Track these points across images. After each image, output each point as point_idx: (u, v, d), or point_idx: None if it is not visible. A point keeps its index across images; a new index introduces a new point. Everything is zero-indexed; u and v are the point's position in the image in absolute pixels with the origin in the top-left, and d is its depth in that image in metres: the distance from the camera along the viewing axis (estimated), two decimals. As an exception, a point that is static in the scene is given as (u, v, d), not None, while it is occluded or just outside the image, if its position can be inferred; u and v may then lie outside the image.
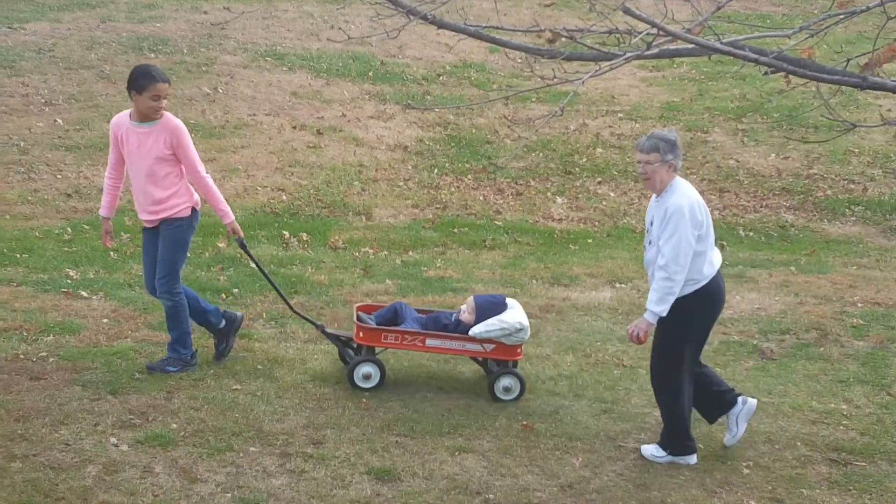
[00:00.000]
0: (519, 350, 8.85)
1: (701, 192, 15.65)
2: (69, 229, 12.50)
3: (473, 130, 17.54)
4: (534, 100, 18.86)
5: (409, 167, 15.88)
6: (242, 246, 8.92)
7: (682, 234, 7.41)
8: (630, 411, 8.65)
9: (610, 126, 18.21)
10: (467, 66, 20.80)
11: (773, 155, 17.34)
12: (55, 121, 16.34)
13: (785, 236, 14.35)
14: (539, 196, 15.24)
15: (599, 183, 15.83)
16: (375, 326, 8.84)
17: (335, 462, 7.49)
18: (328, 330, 9.25)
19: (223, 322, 9.14)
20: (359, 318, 8.91)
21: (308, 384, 8.75)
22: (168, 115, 8.50)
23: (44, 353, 8.99)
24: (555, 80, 5.27)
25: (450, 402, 8.60)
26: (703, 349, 8.01)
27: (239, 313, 9.32)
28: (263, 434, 7.81)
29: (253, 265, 9.31)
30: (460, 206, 14.66)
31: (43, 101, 17.28)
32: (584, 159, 16.64)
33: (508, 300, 9.09)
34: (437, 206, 14.61)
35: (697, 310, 7.62)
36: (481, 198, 15.11)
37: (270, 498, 6.94)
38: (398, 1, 5.88)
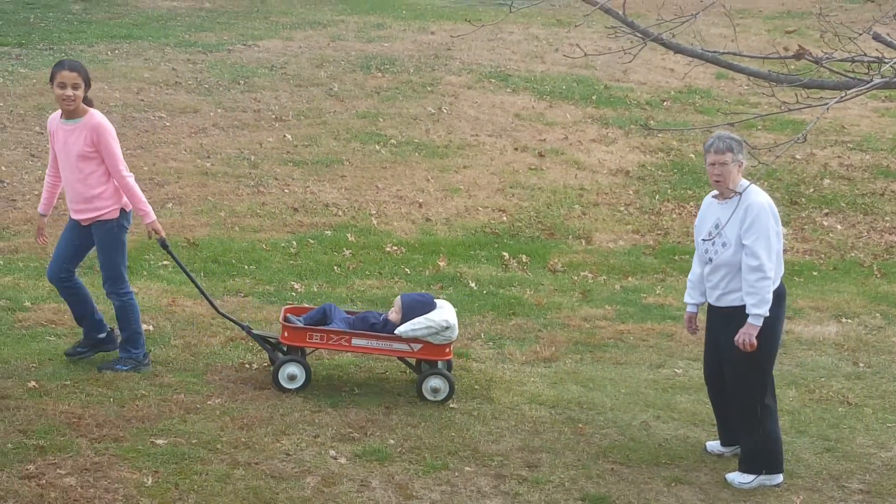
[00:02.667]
0: (448, 350, 8.72)
1: (935, 228, 15.09)
2: (295, 243, 12.77)
3: (695, 157, 17.26)
4: (759, 127, 18.46)
5: (631, 192, 15.73)
6: (164, 246, 8.88)
7: (770, 231, 7.44)
8: (855, 451, 8.34)
9: (839, 157, 17.69)
10: (692, 92, 20.52)
11: None
12: (284, 136, 16.74)
13: None
14: (763, 226, 14.89)
15: (826, 214, 15.39)
16: (301, 326, 8.73)
17: (550, 486, 7.42)
18: (254, 331, 9.08)
19: (105, 334, 9.06)
20: (286, 319, 8.81)
21: (524, 406, 8.71)
22: (93, 112, 8.57)
23: (267, 364, 9.18)
24: (797, 104, 5.11)
25: (667, 432, 8.45)
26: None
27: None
28: (479, 454, 7.80)
29: (183, 271, 9.23)
30: (682, 233, 14.43)
31: (274, 116, 17.72)
32: (811, 190, 16.20)
33: (438, 300, 8.96)
34: (659, 232, 14.42)
35: (778, 309, 7.59)
36: (703, 225, 14.83)
37: (485, 519, 6.92)
38: (634, 24, 5.81)
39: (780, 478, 7.77)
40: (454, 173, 15.63)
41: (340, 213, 13.91)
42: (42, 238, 9.19)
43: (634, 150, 17.39)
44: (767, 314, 7.42)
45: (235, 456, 7.47)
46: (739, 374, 7.66)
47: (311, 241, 12.87)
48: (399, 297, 8.94)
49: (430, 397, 8.70)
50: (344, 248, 12.71)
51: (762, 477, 7.73)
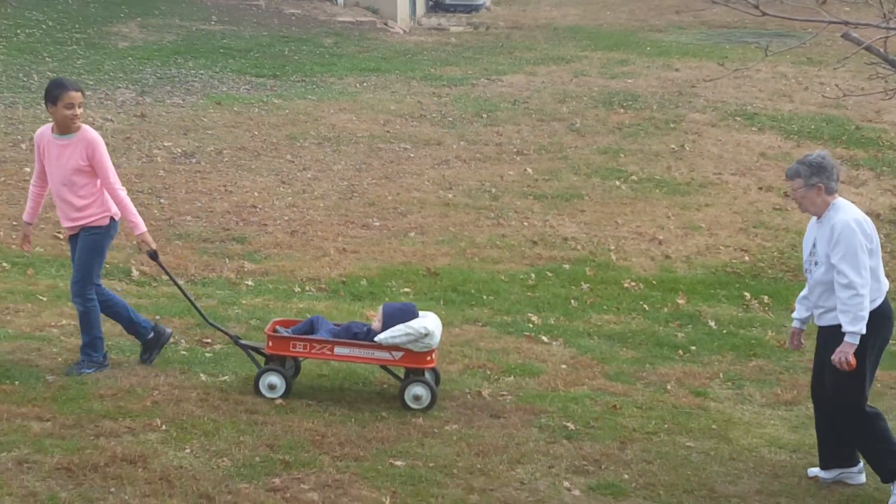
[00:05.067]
0: (429, 358, 8.74)
1: None
2: (533, 275, 12.83)
3: (950, 201, 16.66)
4: None
5: (882, 236, 15.21)
6: (153, 258, 9.04)
7: (858, 248, 7.47)
8: None
9: None
10: (948, 135, 19.82)
11: None
12: (525, 170, 16.88)
13: None
14: None
15: None
16: (284, 335, 8.81)
17: (788, 532, 7.27)
18: (241, 341, 9.18)
19: (151, 334, 9.25)
20: (274, 331, 8.90)
21: (763, 449, 8.53)
22: (86, 127, 8.82)
23: (504, 393, 9.25)
24: None
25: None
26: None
27: (168, 330, 9.43)
28: (715, 495, 7.68)
29: (172, 281, 9.47)
30: (933, 280, 13.93)
31: (515, 150, 17.89)
32: None
33: (424, 312, 9.01)
34: (907, 277, 13.95)
35: (872, 328, 7.53)
36: (956, 272, 14.29)
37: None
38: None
39: None
40: (695, 211, 15.47)
41: (579, 247, 13.93)
42: (27, 245, 9.49)
43: (886, 192, 16.89)
44: (864, 331, 7.46)
45: (471, 482, 7.55)
46: (836, 390, 7.73)
47: (549, 274, 12.92)
48: (382, 305, 9.08)
49: (411, 405, 8.72)
50: (582, 282, 12.71)
51: None
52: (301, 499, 7.09)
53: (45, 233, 12.84)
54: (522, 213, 15.10)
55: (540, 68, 24.31)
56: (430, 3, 32.97)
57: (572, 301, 12.15)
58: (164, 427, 8.00)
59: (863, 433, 7.76)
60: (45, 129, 9.01)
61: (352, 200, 15.13)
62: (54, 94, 8.76)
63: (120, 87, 20.36)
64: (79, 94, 8.79)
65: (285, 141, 17.70)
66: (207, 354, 9.61)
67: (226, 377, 9.11)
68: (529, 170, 16.90)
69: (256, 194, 15.03)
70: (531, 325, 11.20)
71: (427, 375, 8.93)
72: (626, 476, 7.85)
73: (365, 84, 22.10)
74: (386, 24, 28.69)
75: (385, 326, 8.77)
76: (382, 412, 8.59)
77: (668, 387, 9.75)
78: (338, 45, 25.91)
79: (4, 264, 11.70)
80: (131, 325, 9.30)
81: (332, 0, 29.93)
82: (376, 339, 8.74)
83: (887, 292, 7.80)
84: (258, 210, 14.40)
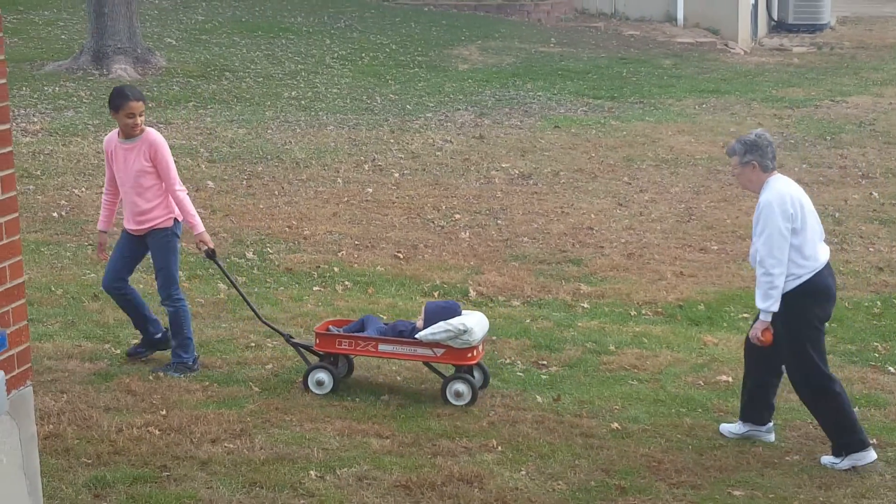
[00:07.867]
0: (470, 354, 8.89)
1: None
2: (878, 303, 12.31)
3: None
4: None
5: None
6: (210, 257, 9.38)
7: (774, 228, 7.72)
8: None
9: None
10: None
11: None
12: (871, 194, 16.27)
13: None
14: None
15: None
16: (331, 333, 9.11)
17: None
18: (293, 340, 9.46)
19: (160, 335, 9.61)
20: (327, 329, 9.21)
21: None
22: (150, 130, 9.22)
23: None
24: None
25: None
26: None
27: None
28: None
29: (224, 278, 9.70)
30: None
31: (860, 173, 17.29)
32: None
33: (468, 310, 9.30)
34: None
35: (804, 305, 7.86)
36: None
37: None
38: None
39: (870, 455, 8.00)
40: None
41: (929, 274, 13.28)
42: (104, 254, 9.86)
43: None
44: (773, 309, 7.77)
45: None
46: (790, 370, 8.23)
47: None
48: (426, 303, 9.18)
49: (452, 401, 8.89)
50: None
51: (851, 457, 7.97)
52: (640, 525, 7.05)
53: (385, 252, 13.25)
54: (867, 238, 14.54)
55: (888, 89, 23.42)
56: (773, 23, 32.27)
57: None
58: (499, 448, 8.11)
59: (827, 407, 8.08)
60: (112, 135, 9.46)
61: (689, 223, 14.95)
62: (116, 103, 9.22)
63: (459, 109, 20.85)
64: (139, 103, 9.21)
65: (622, 163, 17.69)
66: (543, 376, 9.69)
67: (561, 399, 9.15)
68: (875, 194, 16.28)
69: (593, 216, 15.05)
70: (876, 355, 10.74)
71: (476, 374, 9.10)
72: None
73: (704, 106, 21.84)
74: (726, 45, 28.27)
75: (427, 324, 8.96)
76: (720, 440, 8.43)
77: None
78: (677, 66, 25.72)
79: (347, 283, 12.14)
80: (142, 321, 9.66)
81: (672, 21, 29.73)
82: (417, 336, 8.93)
83: (827, 264, 8.06)
84: (594, 232, 14.42)
